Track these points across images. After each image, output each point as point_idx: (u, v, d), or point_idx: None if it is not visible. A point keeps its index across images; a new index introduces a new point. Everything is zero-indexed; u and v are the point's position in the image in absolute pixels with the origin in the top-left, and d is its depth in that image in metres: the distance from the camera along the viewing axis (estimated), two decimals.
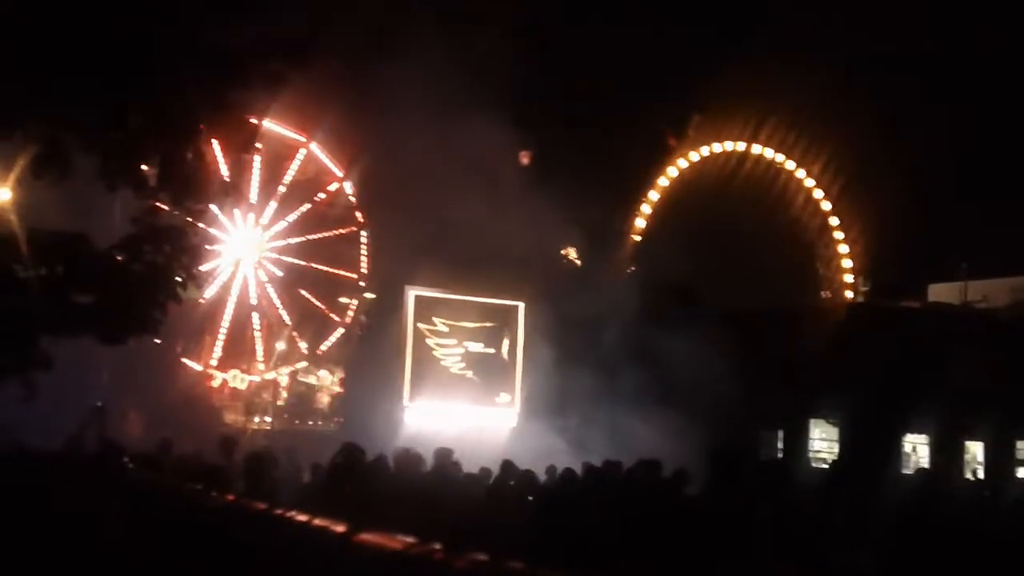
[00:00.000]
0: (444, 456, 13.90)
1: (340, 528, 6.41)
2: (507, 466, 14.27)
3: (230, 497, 9.22)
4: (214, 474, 12.70)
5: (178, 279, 9.21)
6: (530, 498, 12.78)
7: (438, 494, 11.29)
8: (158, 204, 9.46)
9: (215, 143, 9.92)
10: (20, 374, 8.43)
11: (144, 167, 8.57)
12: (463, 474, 13.87)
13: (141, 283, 8.93)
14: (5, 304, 8.46)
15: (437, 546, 5.70)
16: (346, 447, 13.37)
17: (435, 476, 13.22)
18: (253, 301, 48.43)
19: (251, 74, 8.81)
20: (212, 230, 43.65)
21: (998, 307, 39.41)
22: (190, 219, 10.05)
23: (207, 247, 39.89)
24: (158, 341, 31.74)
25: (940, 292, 43.22)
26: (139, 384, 37.50)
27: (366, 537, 6.13)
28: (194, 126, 8.55)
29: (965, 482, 31.37)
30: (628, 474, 14.28)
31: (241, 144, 9.16)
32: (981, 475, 32.76)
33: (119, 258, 8.97)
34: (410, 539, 5.98)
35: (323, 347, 49.08)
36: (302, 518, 7.02)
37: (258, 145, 32.39)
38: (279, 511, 7.56)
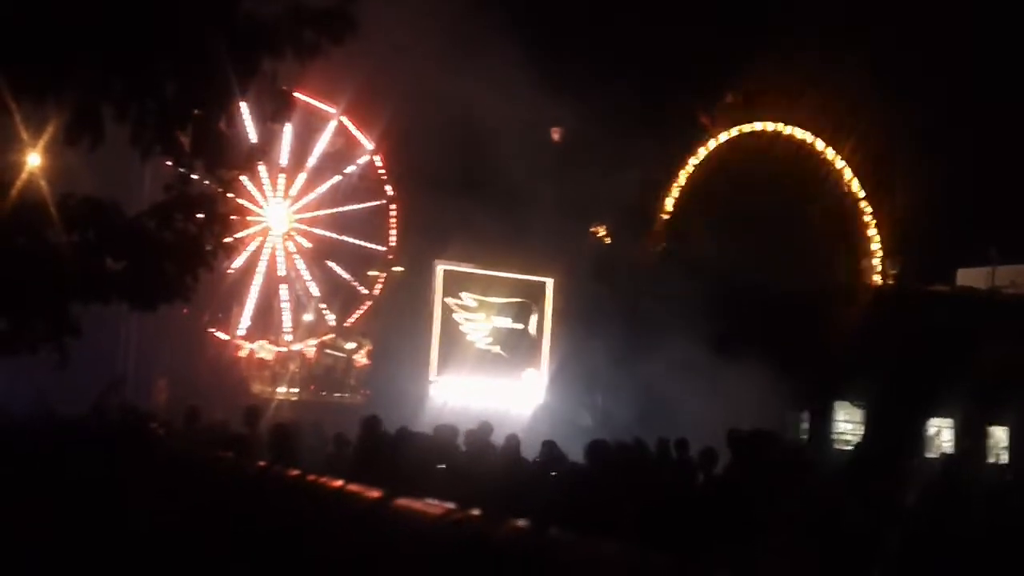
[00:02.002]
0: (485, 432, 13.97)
1: (376, 494, 6.45)
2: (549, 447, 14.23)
3: (262, 464, 9.32)
4: (240, 443, 12.82)
5: (209, 247, 9.25)
6: (553, 474, 12.82)
7: (474, 469, 11.36)
8: (190, 172, 9.49)
9: (247, 112, 9.97)
10: (54, 341, 8.50)
11: (178, 135, 8.59)
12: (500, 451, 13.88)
13: (172, 250, 8.98)
14: (37, 270, 8.53)
15: (477, 512, 5.73)
16: (369, 419, 13.49)
17: (473, 452, 13.27)
18: (281, 272, 48.60)
19: (284, 43, 8.81)
20: (242, 201, 43.77)
21: None
22: (221, 188, 10.08)
23: (237, 217, 40.04)
24: (186, 311, 32.06)
25: (968, 277, 42.96)
26: (166, 353, 37.82)
27: (404, 503, 6.16)
28: (228, 95, 8.56)
29: (989, 466, 31.24)
30: (657, 451, 14.33)
31: (274, 114, 9.14)
32: (1005, 459, 32.65)
33: (150, 225, 9.01)
34: (449, 505, 6.02)
35: (351, 320, 49.20)
36: (337, 484, 7.07)
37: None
38: (314, 477, 7.63)
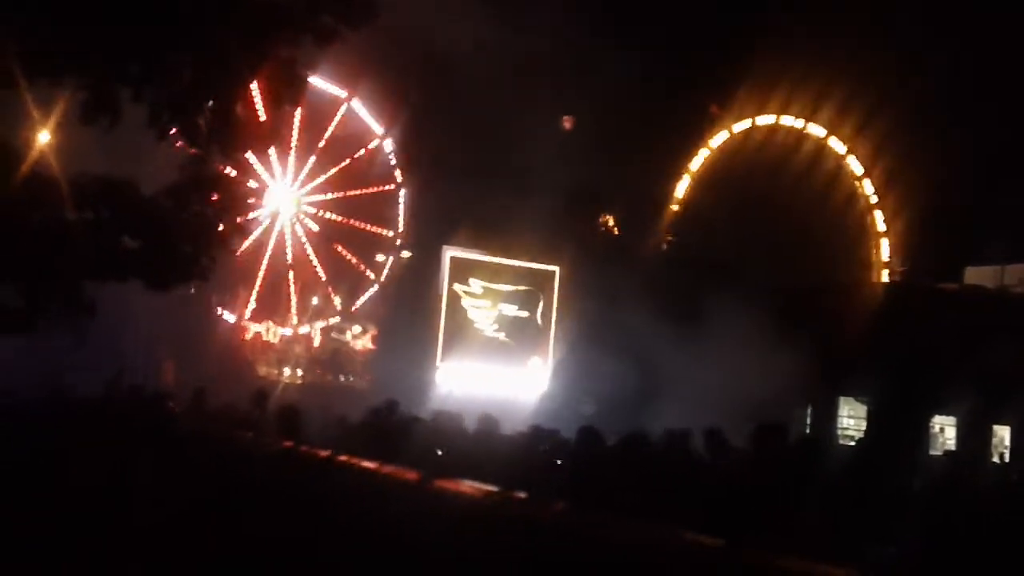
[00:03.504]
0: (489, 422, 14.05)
1: (413, 476, 6.48)
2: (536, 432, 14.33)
3: (287, 444, 9.37)
4: (249, 424, 12.91)
5: (225, 229, 9.34)
6: (559, 461, 12.86)
7: (481, 455, 11.43)
8: (205, 154, 9.55)
9: (259, 95, 10.02)
10: (69, 320, 8.58)
11: (195, 117, 8.66)
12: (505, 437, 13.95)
13: (187, 231, 9.06)
14: (53, 246, 8.61)
15: (520, 495, 5.77)
16: (386, 403, 13.59)
17: (479, 437, 13.35)
18: (289, 255, 48.67)
19: (301, 29, 8.87)
20: (252, 183, 43.77)
21: None
22: (235, 171, 10.14)
23: (249, 200, 40.07)
24: (192, 291, 32.12)
25: (976, 275, 42.84)
26: (174, 335, 37.90)
27: (442, 484, 6.18)
28: (244, 78, 8.63)
29: (992, 465, 31.24)
30: (666, 442, 14.36)
31: (289, 97, 9.21)
32: (1008, 459, 32.64)
33: (167, 206, 9.09)
34: (489, 487, 6.05)
35: (357, 304, 49.26)
36: (369, 465, 7.10)
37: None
38: (343, 458, 7.68)
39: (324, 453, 8.34)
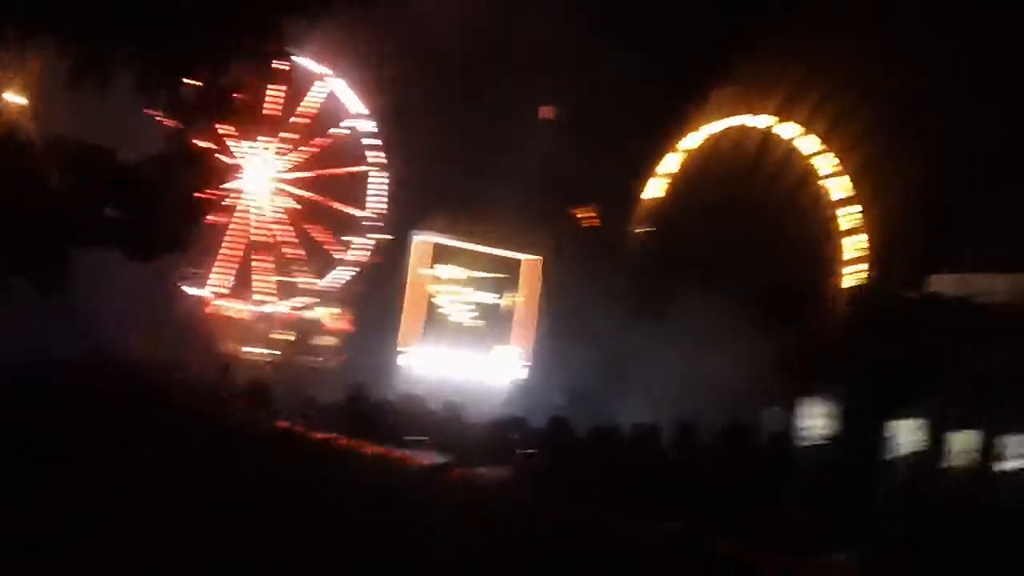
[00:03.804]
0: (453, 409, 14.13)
1: (427, 461, 6.48)
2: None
3: (281, 424, 9.33)
4: (217, 398, 12.87)
5: (204, 200, 9.29)
6: (530, 451, 12.95)
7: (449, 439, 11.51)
8: (190, 125, 9.49)
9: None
10: (51, 285, 8.51)
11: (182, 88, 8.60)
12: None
13: (169, 202, 9.00)
14: (38, 211, 8.53)
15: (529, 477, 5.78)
16: (355, 387, 13.62)
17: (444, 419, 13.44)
18: (261, 232, 48.39)
19: (294, 3, 8.83)
20: (228, 159, 43.48)
21: (998, 302, 39.44)
22: (213, 144, 10.08)
23: (227, 175, 39.90)
24: (167, 264, 31.91)
25: (941, 283, 43.19)
26: (145, 308, 37.63)
27: (459, 471, 6.20)
28: (234, 52, 8.58)
29: (953, 470, 31.57)
30: (632, 436, 14.46)
31: (274, 72, 9.15)
32: (970, 465, 32.96)
33: (149, 176, 9.02)
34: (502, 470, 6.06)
35: (327, 283, 49.04)
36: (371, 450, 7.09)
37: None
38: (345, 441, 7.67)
39: (323, 435, 8.34)
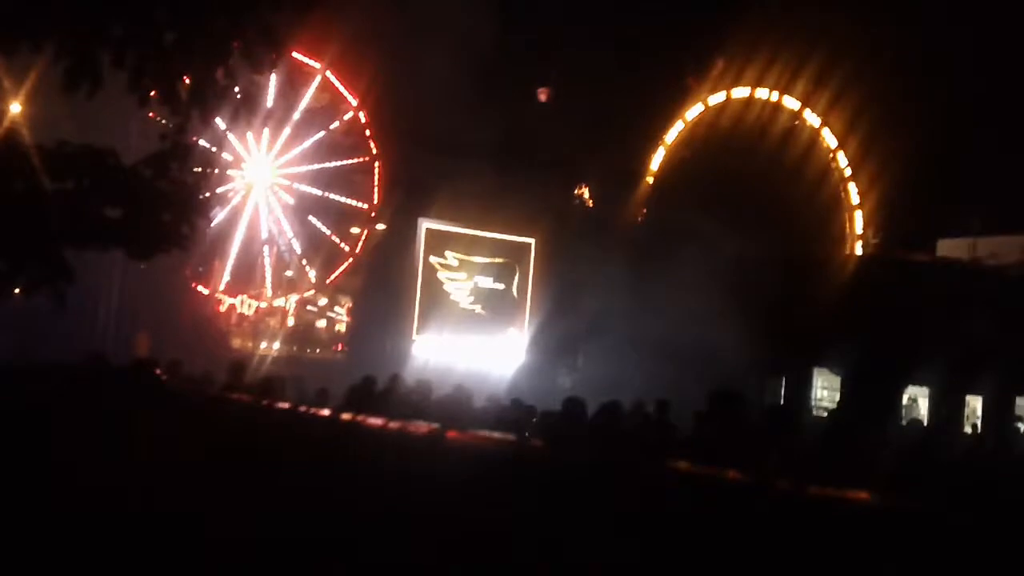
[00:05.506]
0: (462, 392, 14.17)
1: (423, 430, 6.50)
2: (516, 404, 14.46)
3: (284, 405, 9.42)
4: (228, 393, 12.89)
5: (204, 197, 9.31)
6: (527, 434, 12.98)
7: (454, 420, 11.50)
8: (185, 122, 9.50)
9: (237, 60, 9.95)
10: (50, 285, 8.52)
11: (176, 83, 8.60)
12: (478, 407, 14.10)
13: (168, 199, 9.00)
14: (33, 215, 8.55)
15: (534, 442, 5.80)
16: (364, 379, 13.67)
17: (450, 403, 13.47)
18: (263, 228, 48.51)
19: None
20: (227, 155, 43.55)
21: (1007, 264, 39.43)
22: (211, 141, 10.12)
23: (225, 171, 40.04)
24: (170, 262, 31.94)
25: (950, 247, 43.21)
26: (148, 307, 37.74)
27: (451, 437, 6.20)
28: (226, 44, 8.56)
29: (964, 435, 31.61)
30: (632, 412, 14.52)
31: (268, 63, 9.12)
32: (980, 429, 33.02)
33: (147, 174, 9.03)
34: (500, 436, 6.07)
35: (332, 277, 49.19)
36: (375, 422, 7.13)
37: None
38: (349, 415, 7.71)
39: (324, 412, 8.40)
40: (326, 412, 8.68)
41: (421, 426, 6.70)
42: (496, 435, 6.55)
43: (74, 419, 7.97)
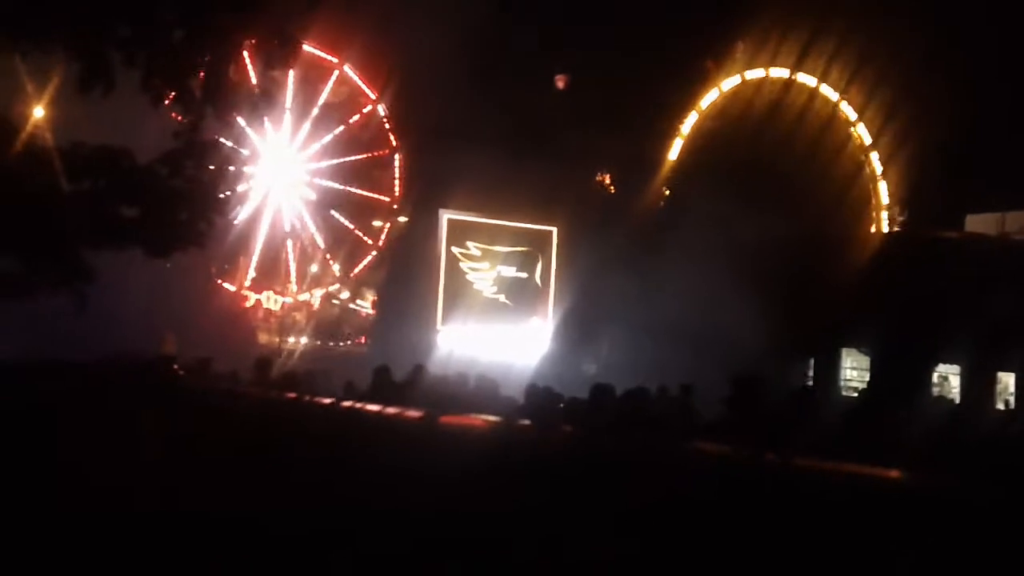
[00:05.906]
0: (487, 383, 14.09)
1: (418, 414, 6.50)
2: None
3: (291, 395, 9.43)
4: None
5: (220, 194, 9.29)
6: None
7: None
8: (199, 119, 9.47)
9: (251, 57, 9.94)
10: (70, 286, 8.54)
11: (188, 82, 8.59)
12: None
13: (185, 197, 9.00)
14: (51, 217, 8.56)
15: (525, 422, 5.79)
16: (376, 370, 13.62)
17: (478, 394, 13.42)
18: (286, 223, 48.63)
19: None
20: (246, 151, 43.65)
21: None
22: (228, 137, 10.09)
23: (243, 168, 40.08)
24: (191, 260, 32.01)
25: (978, 223, 42.76)
26: (174, 305, 37.82)
27: (447, 420, 6.20)
28: (237, 40, 8.54)
29: (996, 412, 31.33)
30: (657, 396, 14.42)
31: (281, 59, 9.09)
32: (1013, 406, 32.73)
33: (162, 173, 9.03)
34: (493, 418, 6.06)
35: (356, 270, 49.30)
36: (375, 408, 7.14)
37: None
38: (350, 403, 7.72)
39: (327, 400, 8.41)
40: (327, 401, 8.69)
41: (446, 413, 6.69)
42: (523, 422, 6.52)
43: (80, 418, 7.97)
